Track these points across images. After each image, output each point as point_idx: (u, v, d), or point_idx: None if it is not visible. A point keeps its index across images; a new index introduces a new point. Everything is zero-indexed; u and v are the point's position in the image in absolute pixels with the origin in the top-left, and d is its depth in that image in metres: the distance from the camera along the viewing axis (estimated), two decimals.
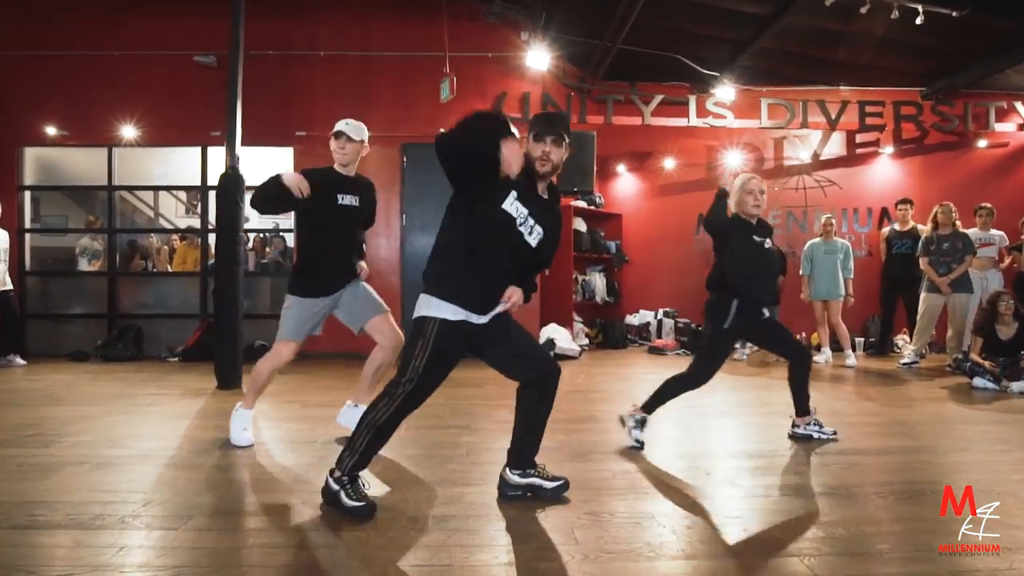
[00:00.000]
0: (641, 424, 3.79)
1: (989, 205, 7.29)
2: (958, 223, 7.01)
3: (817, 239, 7.69)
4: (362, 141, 3.81)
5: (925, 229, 7.32)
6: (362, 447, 2.64)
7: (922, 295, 7.07)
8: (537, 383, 2.82)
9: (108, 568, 2.20)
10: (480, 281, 2.64)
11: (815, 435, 3.95)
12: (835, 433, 3.98)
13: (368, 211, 3.96)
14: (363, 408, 3.79)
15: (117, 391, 5.75)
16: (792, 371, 3.96)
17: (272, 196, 3.66)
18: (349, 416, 3.95)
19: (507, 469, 2.89)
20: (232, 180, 5.85)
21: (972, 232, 7.31)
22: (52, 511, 2.72)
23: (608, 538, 2.45)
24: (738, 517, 2.70)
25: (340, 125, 3.78)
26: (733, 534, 2.52)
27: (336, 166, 3.83)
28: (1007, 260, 7.40)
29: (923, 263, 7.03)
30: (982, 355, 5.93)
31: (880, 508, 2.81)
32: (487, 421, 4.49)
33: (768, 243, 3.89)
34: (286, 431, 4.26)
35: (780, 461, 3.56)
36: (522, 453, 2.87)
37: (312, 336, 3.87)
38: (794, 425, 4.02)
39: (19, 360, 7.25)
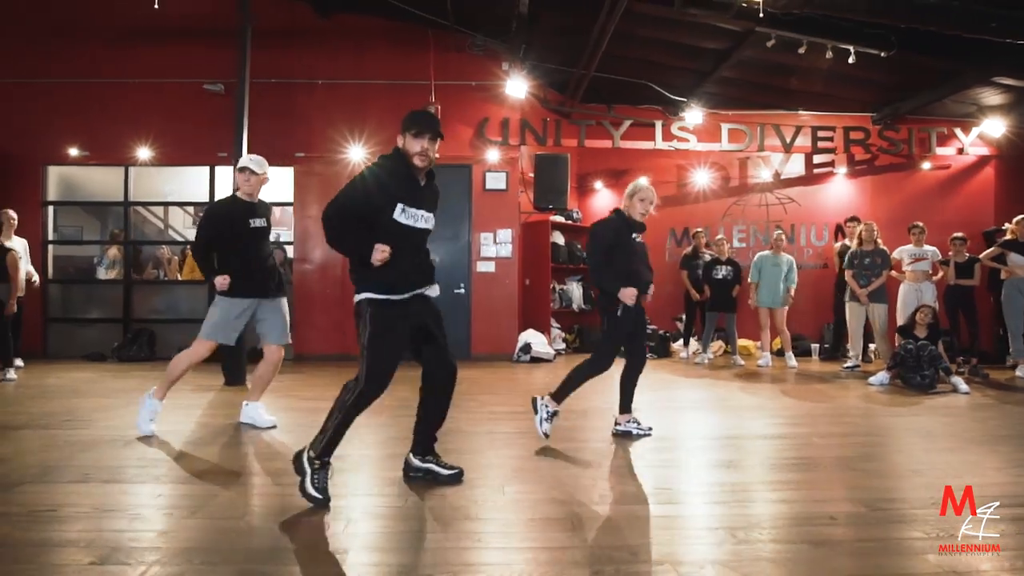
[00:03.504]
0: (552, 416, 4.15)
1: (921, 224, 8.03)
2: (879, 240, 7.79)
3: (767, 251, 8.46)
4: (264, 174, 4.57)
5: (852, 245, 8.12)
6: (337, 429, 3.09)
7: (846, 304, 7.88)
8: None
9: (150, 507, 2.96)
10: None
11: (634, 431, 4.33)
12: (650, 429, 4.35)
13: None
14: (256, 404, 4.62)
15: (134, 386, 6.50)
16: (627, 370, 4.37)
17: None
18: (249, 413, 4.66)
19: (410, 454, 3.38)
20: None
21: (908, 248, 8.06)
22: (100, 472, 3.48)
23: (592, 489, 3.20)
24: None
25: (244, 160, 4.57)
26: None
27: (241, 195, 4.55)
28: (940, 273, 8.13)
29: (847, 275, 7.83)
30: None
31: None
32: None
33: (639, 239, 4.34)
34: (288, 418, 5.00)
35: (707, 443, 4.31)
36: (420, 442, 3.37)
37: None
38: (616, 423, 4.41)
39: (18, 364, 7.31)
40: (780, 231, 8.52)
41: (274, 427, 4.61)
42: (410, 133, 3.11)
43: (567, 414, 4.79)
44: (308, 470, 2.98)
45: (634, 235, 4.30)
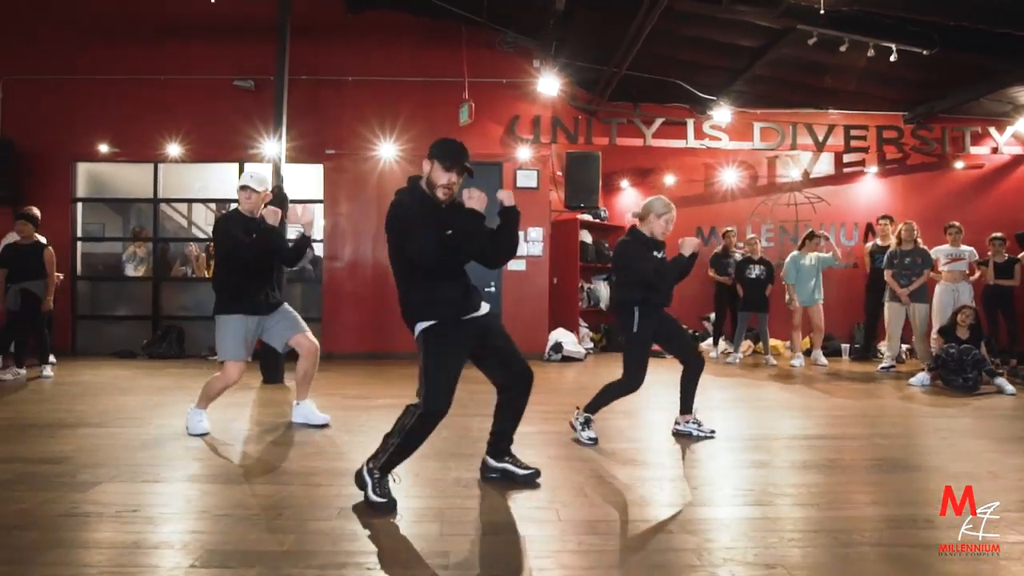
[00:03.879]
0: (587, 423, 4.20)
1: (958, 224, 7.97)
2: (919, 240, 7.73)
3: (796, 251, 8.42)
4: (265, 191, 4.52)
5: (883, 244, 8.07)
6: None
7: (885, 304, 7.83)
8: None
9: (232, 508, 2.92)
10: None
11: (694, 432, 4.32)
12: (713, 432, 4.33)
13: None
14: (306, 403, 4.60)
15: (172, 384, 6.47)
16: (686, 372, 4.33)
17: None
18: (301, 412, 4.64)
19: (487, 455, 3.39)
20: (278, 197, 6.56)
21: (944, 248, 8.00)
22: (172, 471, 3.45)
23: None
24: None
25: (244, 178, 4.50)
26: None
27: (243, 211, 4.47)
28: (977, 273, 8.07)
29: (887, 275, 7.76)
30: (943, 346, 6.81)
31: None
32: None
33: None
34: (343, 417, 4.97)
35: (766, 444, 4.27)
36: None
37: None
38: (676, 422, 4.41)
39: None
40: (811, 230, 8.47)
41: (327, 425, 4.57)
42: (440, 164, 3.00)
43: (616, 414, 4.78)
44: (369, 480, 2.96)
45: (655, 253, 4.16)
